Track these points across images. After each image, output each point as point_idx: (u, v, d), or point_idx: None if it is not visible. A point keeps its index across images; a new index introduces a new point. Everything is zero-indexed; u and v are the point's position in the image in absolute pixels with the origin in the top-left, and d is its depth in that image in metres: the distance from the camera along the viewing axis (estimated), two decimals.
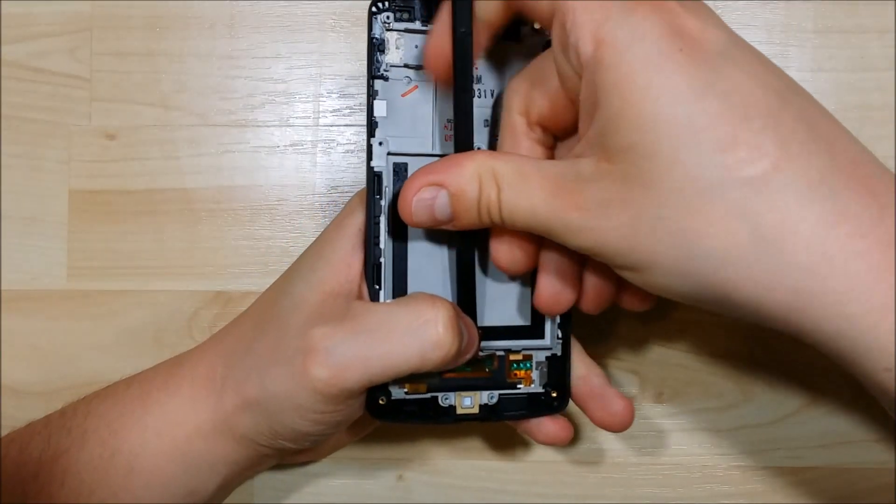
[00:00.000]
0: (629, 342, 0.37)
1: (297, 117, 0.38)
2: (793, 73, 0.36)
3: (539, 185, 0.24)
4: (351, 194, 0.37)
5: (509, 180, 0.25)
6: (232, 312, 0.37)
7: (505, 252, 0.28)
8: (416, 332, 0.27)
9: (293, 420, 0.28)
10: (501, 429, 0.37)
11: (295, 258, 0.31)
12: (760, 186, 0.21)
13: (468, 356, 0.29)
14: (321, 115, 0.37)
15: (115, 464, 0.29)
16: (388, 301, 0.29)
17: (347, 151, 0.37)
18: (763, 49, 0.38)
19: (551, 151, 0.28)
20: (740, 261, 0.21)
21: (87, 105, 0.38)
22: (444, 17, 0.27)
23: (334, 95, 0.38)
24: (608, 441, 0.37)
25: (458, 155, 0.26)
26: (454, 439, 0.38)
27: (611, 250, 0.23)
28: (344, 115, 0.37)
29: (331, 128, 0.38)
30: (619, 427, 0.31)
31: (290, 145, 0.38)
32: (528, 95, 0.27)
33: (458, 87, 0.27)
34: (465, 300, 0.29)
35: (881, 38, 0.36)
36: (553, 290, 0.28)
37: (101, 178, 0.38)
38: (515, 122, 0.27)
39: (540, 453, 0.38)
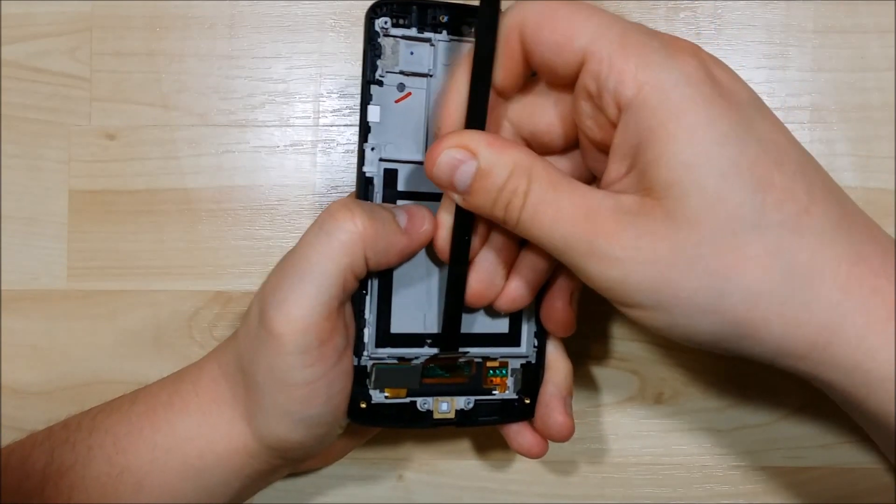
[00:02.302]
0: (629, 342, 0.37)
1: (297, 117, 0.38)
2: (793, 73, 0.36)
3: (570, 202, 0.24)
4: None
5: (541, 184, 0.25)
6: (232, 312, 0.37)
7: (518, 294, 0.29)
8: (326, 231, 0.27)
9: (286, 404, 0.27)
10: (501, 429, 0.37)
11: None
12: (794, 227, 0.23)
13: (418, 236, 0.28)
14: (321, 115, 0.38)
15: (124, 482, 0.29)
16: None
17: (347, 151, 0.37)
18: (763, 49, 0.38)
19: None
20: (773, 297, 0.23)
21: (87, 105, 0.38)
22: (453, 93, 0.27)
23: (334, 95, 0.38)
24: (608, 441, 0.37)
25: (504, 139, 0.26)
26: (454, 439, 0.38)
27: (635, 284, 0.23)
28: (344, 115, 0.37)
29: (331, 128, 0.38)
30: (558, 437, 0.31)
31: (290, 145, 0.38)
32: (524, 110, 0.27)
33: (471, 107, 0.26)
34: (451, 315, 0.29)
35: (881, 38, 0.36)
36: (521, 292, 0.29)
37: (101, 178, 0.38)
38: (504, 130, 0.28)
39: None
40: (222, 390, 0.29)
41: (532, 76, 0.27)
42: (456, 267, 0.28)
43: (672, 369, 0.37)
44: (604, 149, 0.26)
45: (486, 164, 0.25)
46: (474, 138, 0.25)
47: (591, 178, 0.28)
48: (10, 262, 0.38)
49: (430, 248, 0.30)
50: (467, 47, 0.29)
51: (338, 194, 0.37)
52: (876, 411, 0.23)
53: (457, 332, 0.30)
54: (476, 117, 0.26)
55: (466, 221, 0.27)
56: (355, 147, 0.37)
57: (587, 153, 0.27)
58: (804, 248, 0.23)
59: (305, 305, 0.26)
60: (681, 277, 0.23)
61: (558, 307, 0.30)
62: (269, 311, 0.27)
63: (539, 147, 0.28)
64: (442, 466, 0.38)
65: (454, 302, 0.29)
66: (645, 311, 0.24)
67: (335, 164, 0.37)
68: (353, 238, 0.27)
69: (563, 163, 0.28)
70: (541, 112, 0.27)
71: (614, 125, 0.24)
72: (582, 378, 0.37)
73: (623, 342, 0.37)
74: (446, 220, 0.28)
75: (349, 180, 0.37)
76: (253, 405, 0.28)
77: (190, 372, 0.31)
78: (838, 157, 0.36)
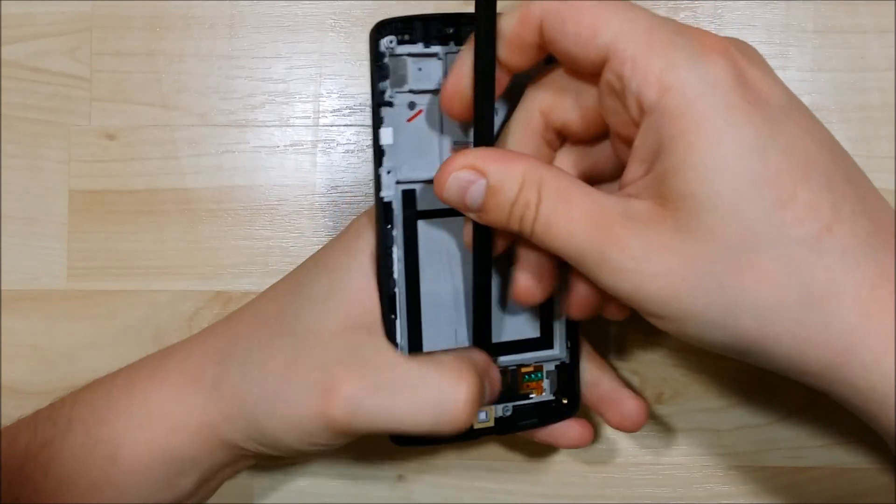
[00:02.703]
0: (629, 342, 0.37)
1: (297, 117, 0.38)
2: (793, 73, 0.36)
3: (582, 210, 0.24)
4: (352, 194, 0.37)
5: (551, 194, 0.24)
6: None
7: (525, 284, 0.28)
8: (436, 403, 0.27)
9: (292, 440, 0.28)
10: None
11: (295, 258, 0.31)
12: (814, 246, 0.22)
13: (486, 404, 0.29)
14: (321, 115, 0.38)
15: (99, 452, 0.29)
16: (415, 356, 0.29)
17: (347, 151, 0.37)
18: (763, 49, 0.38)
19: (555, 154, 0.28)
20: (786, 317, 0.22)
21: (87, 105, 0.38)
22: (464, 56, 0.26)
23: (334, 95, 0.38)
24: (608, 441, 0.37)
25: (510, 151, 0.26)
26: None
27: (646, 296, 0.23)
28: (344, 115, 0.37)
29: (331, 128, 0.38)
30: (633, 427, 0.31)
31: (290, 145, 0.38)
32: (555, 98, 0.26)
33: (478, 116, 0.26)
34: (481, 327, 0.29)
35: (881, 38, 0.36)
36: (528, 283, 0.28)
37: (101, 178, 0.38)
38: (533, 118, 0.27)
39: (540, 453, 0.37)
40: (205, 374, 0.29)
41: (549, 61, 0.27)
42: (480, 278, 0.28)
43: (672, 369, 0.37)
44: (630, 143, 0.25)
45: (495, 181, 0.25)
46: (481, 157, 0.25)
47: (622, 169, 0.28)
48: (10, 262, 0.38)
49: (457, 262, 0.30)
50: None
51: (338, 194, 0.37)
52: (889, 429, 0.23)
53: (488, 342, 0.30)
54: (483, 134, 0.26)
55: (486, 233, 0.27)
56: (355, 147, 0.37)
57: (615, 144, 0.26)
58: (823, 267, 0.22)
59: (371, 421, 0.27)
60: (691, 292, 0.22)
61: (630, 405, 0.31)
62: (342, 401, 0.27)
63: (574, 139, 0.27)
64: (442, 466, 0.38)
65: (481, 313, 0.29)
66: (660, 320, 0.24)
67: (335, 164, 0.37)
68: (450, 429, 0.27)
69: (592, 154, 0.28)
70: (568, 103, 0.26)
71: (637, 124, 0.23)
72: None
73: (623, 341, 0.37)
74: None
75: (349, 180, 0.37)
76: (251, 417, 0.28)
77: (178, 349, 0.31)
78: None
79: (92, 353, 0.38)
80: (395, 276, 0.29)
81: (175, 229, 0.37)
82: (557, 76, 0.26)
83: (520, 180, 0.24)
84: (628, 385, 0.33)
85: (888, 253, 0.22)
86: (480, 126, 0.26)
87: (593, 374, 0.32)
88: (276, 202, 0.37)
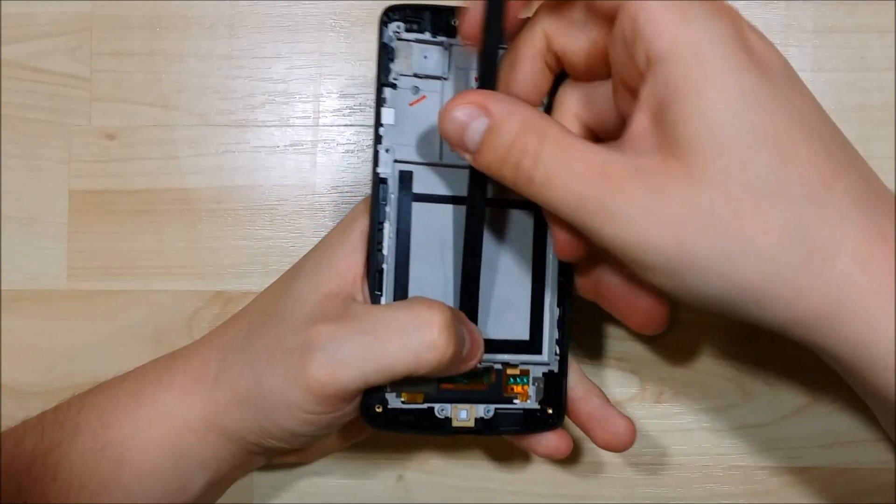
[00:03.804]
0: (629, 342, 0.37)
1: (297, 117, 0.38)
2: None
3: (583, 161, 0.24)
4: (351, 194, 0.37)
5: (553, 144, 0.24)
6: (232, 312, 0.37)
7: (565, 239, 0.27)
8: (411, 334, 0.27)
9: (284, 419, 0.28)
10: None
11: (295, 258, 0.31)
12: (814, 200, 0.22)
13: (471, 363, 0.29)
14: (321, 115, 0.38)
15: (107, 456, 0.29)
16: (386, 303, 0.29)
17: (347, 151, 0.37)
18: None
19: (552, 78, 0.28)
20: (785, 266, 0.22)
21: (87, 105, 0.38)
22: None
23: (334, 95, 0.38)
24: None
25: (517, 99, 0.26)
26: (454, 439, 0.38)
27: (650, 245, 0.23)
28: (344, 115, 0.37)
29: (331, 128, 0.38)
30: (621, 447, 0.31)
31: (290, 145, 0.38)
32: (562, 25, 0.27)
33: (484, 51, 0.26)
34: (468, 308, 0.29)
35: (881, 38, 0.36)
36: (566, 237, 0.27)
37: (101, 178, 0.38)
38: (536, 37, 0.27)
39: None
40: (209, 372, 0.29)
41: None
42: (470, 261, 0.28)
43: (672, 369, 0.37)
44: (632, 94, 0.25)
45: (496, 120, 0.25)
46: (486, 95, 0.25)
47: (620, 124, 0.28)
48: (10, 262, 0.38)
49: (449, 250, 0.30)
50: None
51: (338, 194, 0.37)
52: (877, 386, 0.23)
53: (475, 292, 0.29)
54: (487, 77, 0.26)
55: (481, 185, 0.27)
56: (356, 147, 0.37)
57: (618, 95, 0.26)
58: (824, 222, 0.22)
59: (353, 378, 0.27)
60: (696, 239, 0.23)
61: (620, 425, 0.30)
62: (316, 360, 0.27)
63: (570, 68, 0.28)
64: (442, 466, 0.38)
65: (469, 297, 0.29)
66: (657, 274, 0.24)
67: (335, 164, 0.37)
68: (432, 360, 0.27)
69: (594, 106, 0.28)
70: (574, 33, 0.26)
71: (643, 75, 0.24)
72: None
73: (623, 342, 0.37)
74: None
75: (349, 180, 0.37)
76: (247, 402, 0.28)
77: (183, 352, 0.31)
78: None
79: (92, 353, 0.38)
80: (385, 251, 0.29)
81: (175, 229, 0.37)
82: (569, 6, 0.27)
83: (520, 123, 0.24)
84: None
85: (886, 215, 0.23)
86: (485, 69, 0.26)
87: (583, 391, 0.31)
88: (276, 202, 0.37)
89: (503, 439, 0.33)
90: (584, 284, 0.30)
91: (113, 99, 0.38)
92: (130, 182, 0.38)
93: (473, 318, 0.29)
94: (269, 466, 0.37)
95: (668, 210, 0.23)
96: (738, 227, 0.22)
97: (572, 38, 0.26)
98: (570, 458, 0.37)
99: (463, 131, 0.25)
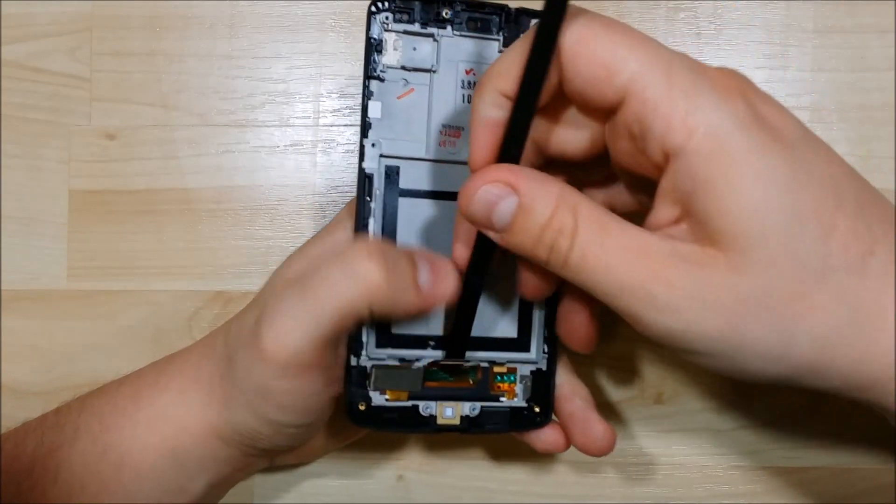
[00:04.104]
0: (629, 342, 0.37)
1: (297, 117, 0.38)
2: (793, 73, 0.36)
3: (622, 244, 0.23)
4: (351, 194, 0.37)
5: (590, 223, 0.23)
6: (232, 312, 0.37)
7: (533, 283, 0.27)
8: (337, 273, 0.26)
9: (261, 406, 0.27)
10: None
11: None
12: (858, 270, 0.22)
13: (438, 294, 0.27)
14: (321, 115, 0.38)
15: (107, 459, 0.29)
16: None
17: (347, 151, 0.37)
18: (763, 49, 0.38)
19: None
20: (839, 341, 0.22)
21: (87, 105, 0.38)
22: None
23: (334, 95, 0.38)
24: None
25: (546, 174, 0.24)
26: (454, 439, 0.38)
27: (696, 334, 0.23)
28: (344, 115, 0.37)
29: (331, 128, 0.38)
30: (597, 452, 0.30)
31: (290, 145, 0.38)
32: (552, 128, 0.26)
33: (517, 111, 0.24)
34: (463, 319, 0.29)
35: (881, 38, 0.36)
36: (536, 281, 0.27)
37: (101, 178, 0.38)
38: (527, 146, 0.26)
39: (540, 454, 0.37)
40: (203, 374, 0.29)
41: None
42: (474, 277, 0.27)
43: (672, 369, 0.37)
44: (641, 178, 0.24)
45: (527, 197, 0.23)
46: (514, 172, 0.23)
47: (634, 203, 0.27)
48: (10, 262, 0.38)
49: (437, 246, 0.29)
50: (483, 49, 0.29)
51: (338, 194, 0.37)
52: None
53: (465, 340, 0.29)
54: (514, 148, 0.24)
55: (489, 245, 0.26)
56: (356, 147, 0.37)
57: (626, 179, 0.26)
58: (869, 289, 0.22)
59: (297, 333, 0.26)
60: (746, 326, 0.22)
61: (581, 322, 0.29)
62: (263, 322, 0.27)
63: (572, 162, 0.27)
64: (442, 466, 0.38)
65: (467, 311, 0.28)
66: (707, 358, 0.23)
67: (335, 164, 0.37)
68: (363, 288, 0.26)
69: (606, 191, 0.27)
70: (571, 135, 0.25)
71: (658, 167, 0.23)
72: (582, 378, 0.37)
73: (623, 342, 0.37)
74: (464, 254, 0.27)
75: (349, 180, 0.37)
76: (228, 394, 0.28)
77: (180, 354, 0.31)
78: None
79: (92, 353, 0.38)
80: None
81: (175, 229, 0.37)
82: (553, 105, 0.25)
83: (554, 202, 0.23)
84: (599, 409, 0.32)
85: None
86: (513, 140, 0.24)
87: (568, 390, 0.31)
88: (276, 202, 0.37)
89: (505, 437, 0.33)
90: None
91: (113, 99, 0.38)
92: (130, 182, 0.38)
93: (469, 325, 0.29)
94: (276, 467, 0.37)
95: (715, 298, 0.22)
96: (787, 309, 0.22)
97: (568, 137, 0.25)
98: (571, 459, 0.37)
99: (490, 211, 0.24)
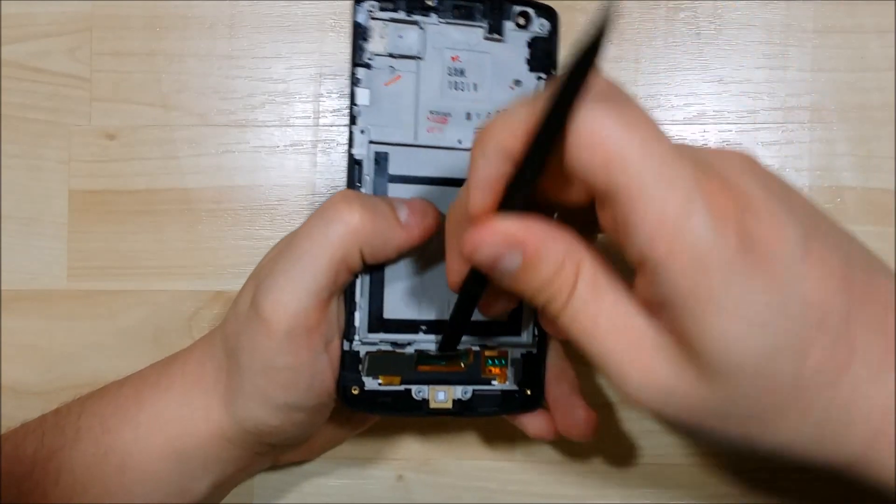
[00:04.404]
0: None
1: (297, 117, 0.38)
2: (793, 73, 0.36)
3: (610, 316, 0.23)
4: None
5: (586, 284, 0.23)
6: None
7: (496, 308, 0.28)
8: (317, 224, 0.27)
9: (267, 388, 0.28)
10: (500, 428, 0.37)
11: None
12: (832, 384, 0.22)
13: (419, 229, 0.28)
14: (321, 115, 0.38)
15: (109, 461, 0.29)
16: None
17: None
18: (763, 49, 0.38)
19: None
20: (808, 442, 0.23)
21: (87, 105, 0.38)
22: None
23: (334, 95, 0.38)
24: (608, 441, 0.37)
25: (552, 225, 0.23)
26: (454, 439, 0.38)
27: (669, 417, 0.23)
28: (344, 115, 0.37)
29: (331, 128, 0.38)
30: (578, 436, 0.31)
31: (290, 145, 0.38)
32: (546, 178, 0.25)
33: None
34: (458, 323, 0.29)
35: (881, 38, 0.36)
36: (499, 304, 0.28)
37: (101, 178, 0.38)
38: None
39: (540, 453, 0.38)
40: (206, 373, 0.29)
41: None
42: (473, 287, 0.27)
43: None
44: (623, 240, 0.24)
45: (533, 257, 0.23)
46: (521, 227, 0.23)
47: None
48: (10, 262, 0.38)
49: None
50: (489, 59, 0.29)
51: None
52: None
53: (457, 339, 0.30)
54: (518, 201, 0.23)
55: (482, 284, 0.26)
56: None
57: (611, 234, 0.25)
58: (841, 401, 0.22)
59: (295, 293, 0.27)
60: (714, 426, 0.23)
61: (580, 415, 0.30)
62: (259, 294, 0.27)
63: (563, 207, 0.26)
64: (442, 466, 0.38)
65: (463, 314, 0.28)
66: (678, 431, 0.25)
67: (335, 164, 0.37)
68: (348, 231, 0.27)
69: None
70: (568, 188, 0.24)
71: (639, 263, 0.22)
72: (581, 378, 0.37)
73: None
74: (459, 268, 0.26)
75: None
76: (234, 387, 0.28)
77: (181, 355, 0.31)
78: (838, 157, 0.36)
79: (92, 354, 0.38)
80: None
81: (175, 229, 0.37)
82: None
83: (559, 261, 0.23)
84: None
85: None
86: (516, 196, 0.23)
87: (555, 373, 0.31)
88: (276, 202, 0.37)
89: (504, 434, 0.33)
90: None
91: (113, 99, 0.38)
92: (130, 182, 0.38)
93: (464, 326, 0.29)
94: (276, 467, 0.37)
95: (685, 399, 0.23)
96: (755, 423, 0.23)
97: (565, 189, 0.24)
98: (571, 458, 0.38)
99: (494, 262, 0.23)
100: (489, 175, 0.23)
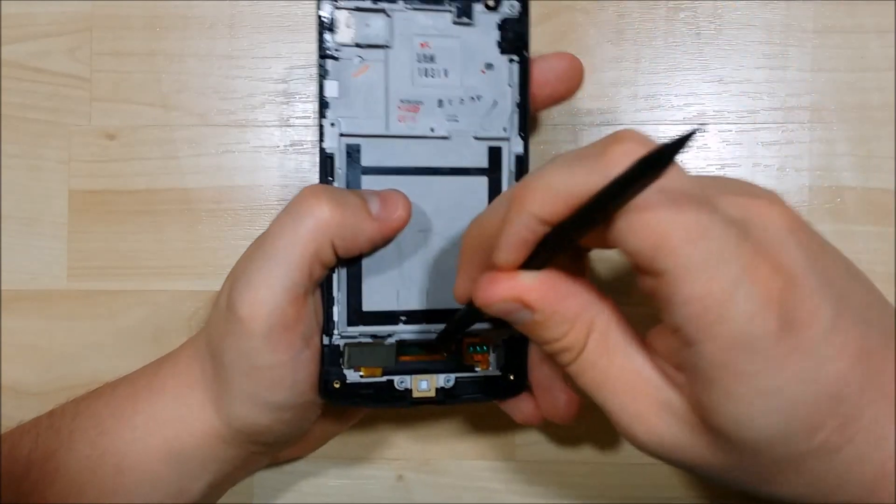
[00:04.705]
0: None
1: (297, 117, 0.38)
2: (793, 73, 0.36)
3: (619, 375, 0.24)
4: None
5: (597, 343, 0.24)
6: None
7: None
8: (292, 218, 0.27)
9: (253, 390, 0.28)
10: (500, 429, 0.37)
11: None
12: (837, 451, 0.22)
13: (394, 218, 0.28)
14: None
15: (105, 463, 0.29)
16: None
17: None
18: (763, 49, 0.38)
19: None
20: (809, 494, 0.24)
21: (87, 105, 0.38)
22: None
23: None
24: (608, 441, 0.37)
25: (566, 285, 0.24)
26: (454, 439, 0.38)
27: (674, 463, 0.24)
28: None
29: None
30: (559, 419, 0.31)
31: (290, 145, 0.38)
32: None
33: None
34: (455, 330, 0.29)
35: (881, 38, 0.36)
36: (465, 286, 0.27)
37: (101, 178, 0.38)
38: (532, 226, 0.24)
39: (540, 453, 0.37)
40: (195, 374, 0.29)
41: None
42: (477, 311, 0.26)
43: None
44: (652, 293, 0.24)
45: (543, 319, 0.24)
46: (538, 288, 0.23)
47: None
48: (10, 262, 0.38)
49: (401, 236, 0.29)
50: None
51: None
52: None
53: (451, 341, 0.30)
54: (544, 261, 0.23)
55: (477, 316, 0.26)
56: None
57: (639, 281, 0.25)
58: (841, 462, 0.23)
59: (270, 290, 0.27)
60: (713, 475, 0.24)
61: (562, 398, 0.30)
62: (235, 293, 0.27)
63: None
64: (442, 466, 0.38)
65: (460, 325, 0.28)
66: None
67: None
68: (318, 225, 0.27)
69: None
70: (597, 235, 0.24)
71: (674, 329, 0.22)
72: None
73: None
74: (468, 286, 0.26)
75: None
76: (221, 389, 0.28)
77: (171, 356, 0.31)
78: (838, 157, 0.36)
79: (92, 354, 0.38)
80: None
81: (175, 229, 0.37)
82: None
83: (569, 323, 0.24)
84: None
85: None
86: (548, 251, 0.23)
87: (537, 357, 0.31)
88: (276, 202, 0.37)
89: (504, 434, 0.33)
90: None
91: (113, 99, 0.38)
92: (130, 182, 0.38)
93: (460, 332, 0.29)
94: (276, 466, 0.37)
95: (693, 460, 0.23)
96: (759, 486, 0.23)
97: (593, 241, 0.24)
98: (571, 458, 0.37)
99: (509, 315, 0.24)
100: (523, 237, 0.23)
